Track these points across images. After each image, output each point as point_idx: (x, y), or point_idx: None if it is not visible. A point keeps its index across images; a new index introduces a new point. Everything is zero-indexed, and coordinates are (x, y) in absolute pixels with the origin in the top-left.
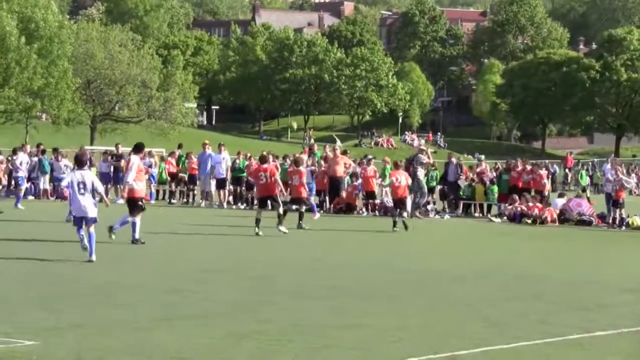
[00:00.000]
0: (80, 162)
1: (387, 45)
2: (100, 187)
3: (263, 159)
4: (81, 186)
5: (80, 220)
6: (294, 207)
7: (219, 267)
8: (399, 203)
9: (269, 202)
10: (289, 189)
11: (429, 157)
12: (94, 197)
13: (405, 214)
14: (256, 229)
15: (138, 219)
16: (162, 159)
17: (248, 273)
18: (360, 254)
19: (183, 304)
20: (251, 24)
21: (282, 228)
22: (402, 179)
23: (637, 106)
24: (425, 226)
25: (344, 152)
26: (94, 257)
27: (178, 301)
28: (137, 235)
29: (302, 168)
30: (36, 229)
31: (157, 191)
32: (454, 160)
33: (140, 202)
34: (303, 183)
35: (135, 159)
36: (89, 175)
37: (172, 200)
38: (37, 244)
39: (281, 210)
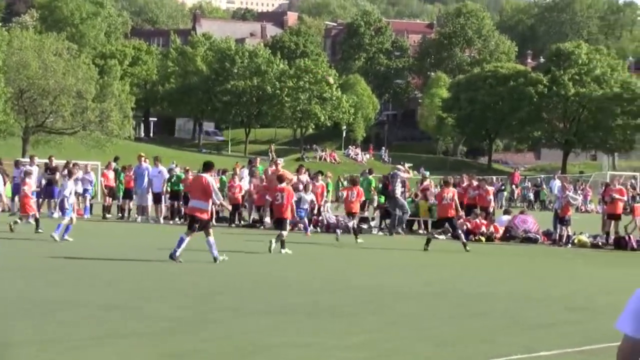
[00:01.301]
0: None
1: (331, 56)
2: None
3: (280, 179)
4: None
5: None
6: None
7: (160, 284)
8: (351, 217)
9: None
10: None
11: (407, 172)
12: None
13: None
14: (284, 249)
15: (212, 237)
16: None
17: (190, 290)
18: (305, 270)
19: (123, 322)
20: (191, 34)
21: (286, 250)
22: (354, 195)
23: (585, 122)
24: (370, 243)
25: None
26: None
27: (118, 318)
28: (216, 254)
29: (286, 185)
30: None
31: (92, 205)
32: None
33: (207, 221)
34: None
35: (211, 179)
36: None
37: (107, 215)
38: None
39: (286, 234)
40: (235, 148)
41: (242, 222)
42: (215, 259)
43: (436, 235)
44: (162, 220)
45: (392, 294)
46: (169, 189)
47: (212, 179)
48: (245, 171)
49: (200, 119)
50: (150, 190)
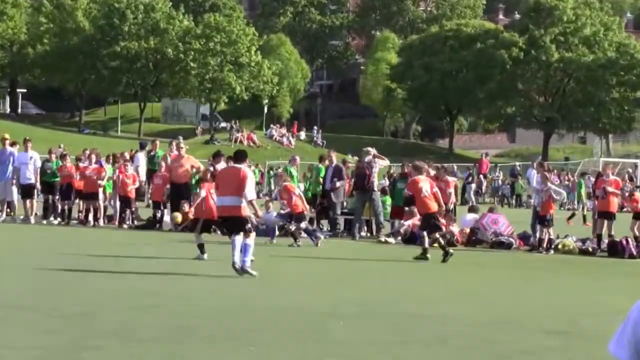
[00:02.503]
0: None
1: (249, 11)
2: None
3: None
4: None
5: None
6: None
7: (23, 302)
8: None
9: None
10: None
11: (383, 159)
12: None
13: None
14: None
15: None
16: None
17: (62, 309)
18: (210, 286)
19: None
20: None
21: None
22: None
23: (571, 95)
24: (296, 251)
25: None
26: None
27: None
28: (248, 263)
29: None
30: None
31: None
32: (334, 161)
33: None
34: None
35: (250, 172)
36: None
37: None
38: None
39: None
40: (126, 127)
41: (135, 222)
42: (242, 271)
43: (384, 239)
44: (32, 219)
45: (319, 316)
46: (41, 181)
47: (251, 173)
48: (141, 157)
49: (81, 90)
50: (16, 181)
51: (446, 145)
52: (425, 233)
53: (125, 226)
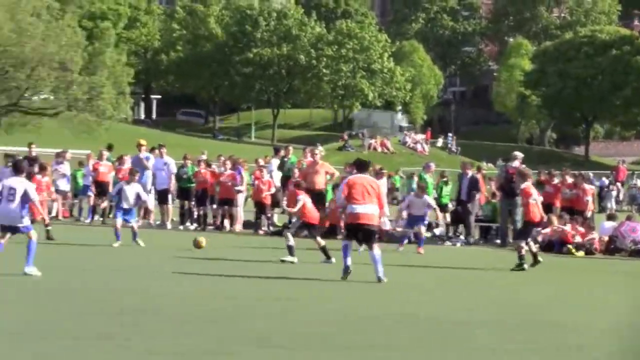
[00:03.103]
0: (17, 169)
1: (381, 18)
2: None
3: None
4: (12, 192)
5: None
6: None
7: (158, 307)
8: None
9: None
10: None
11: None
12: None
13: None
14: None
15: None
16: (80, 164)
17: (198, 314)
18: (349, 291)
19: (117, 355)
20: None
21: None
22: None
23: None
24: (433, 258)
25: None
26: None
27: (109, 350)
28: (381, 272)
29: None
30: None
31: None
32: (469, 172)
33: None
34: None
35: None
36: (24, 184)
37: (98, 218)
38: None
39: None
40: (260, 134)
41: (271, 227)
42: (379, 279)
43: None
44: (169, 225)
45: (462, 325)
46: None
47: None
48: (275, 163)
49: (215, 96)
50: (153, 187)
51: (582, 153)
52: (524, 241)
53: (260, 232)
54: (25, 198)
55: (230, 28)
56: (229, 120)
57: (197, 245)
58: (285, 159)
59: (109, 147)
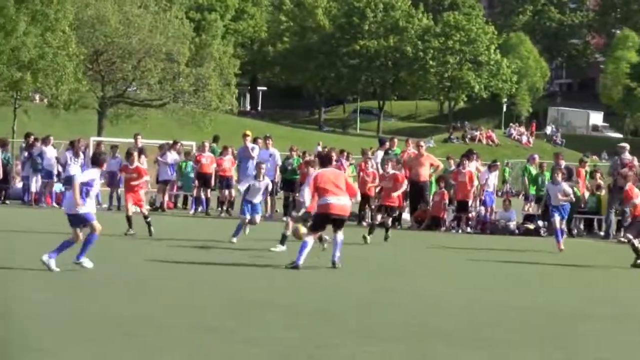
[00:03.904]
0: (97, 160)
1: (488, 10)
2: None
3: None
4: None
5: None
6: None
7: (266, 299)
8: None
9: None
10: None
11: None
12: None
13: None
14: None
15: None
16: (187, 154)
17: (301, 307)
18: (450, 282)
19: (219, 347)
20: None
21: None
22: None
23: None
24: (534, 249)
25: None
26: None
27: (213, 343)
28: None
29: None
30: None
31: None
32: (562, 162)
33: None
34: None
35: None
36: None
37: (201, 209)
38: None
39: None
40: (365, 125)
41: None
42: (334, 264)
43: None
44: (273, 216)
45: (567, 318)
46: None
47: None
48: (379, 155)
49: (321, 88)
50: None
51: None
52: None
53: (364, 224)
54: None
55: (337, 20)
56: (335, 112)
57: (297, 235)
58: (390, 151)
59: (215, 139)
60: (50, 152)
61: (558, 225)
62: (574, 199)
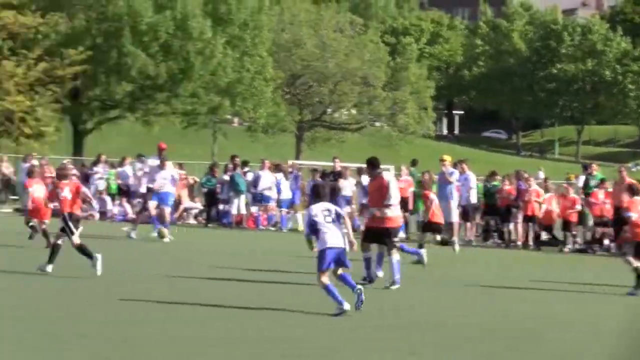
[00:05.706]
0: (319, 195)
1: None
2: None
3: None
4: (326, 213)
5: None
6: None
7: (416, 320)
8: None
9: None
10: None
11: None
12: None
13: None
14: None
15: None
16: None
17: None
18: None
19: None
20: (506, 3)
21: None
22: None
23: None
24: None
25: None
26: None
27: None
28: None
29: None
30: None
31: None
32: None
33: None
34: None
35: None
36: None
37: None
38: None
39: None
40: (563, 150)
41: (576, 245)
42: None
43: None
44: (473, 240)
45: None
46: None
47: None
48: (581, 180)
49: (517, 112)
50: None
51: None
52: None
53: (565, 250)
54: None
55: (533, 43)
56: (532, 137)
57: None
58: (590, 176)
59: (413, 163)
60: (266, 176)
61: None
62: None
